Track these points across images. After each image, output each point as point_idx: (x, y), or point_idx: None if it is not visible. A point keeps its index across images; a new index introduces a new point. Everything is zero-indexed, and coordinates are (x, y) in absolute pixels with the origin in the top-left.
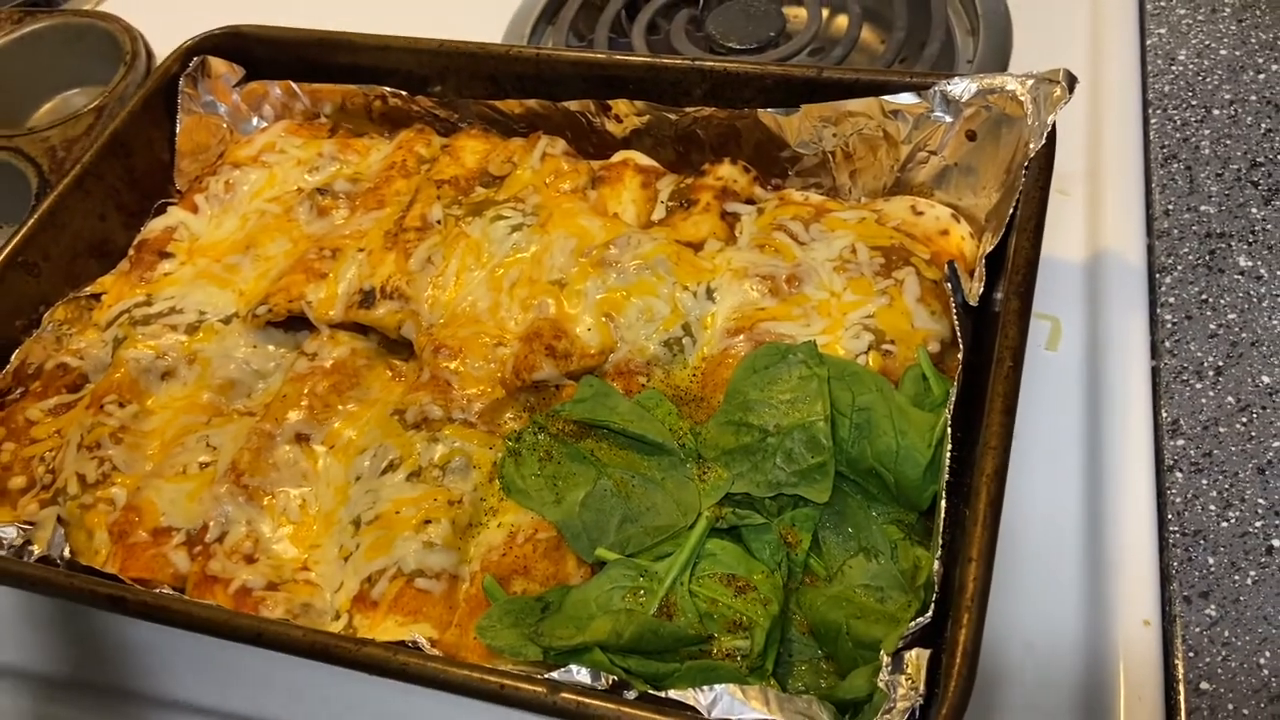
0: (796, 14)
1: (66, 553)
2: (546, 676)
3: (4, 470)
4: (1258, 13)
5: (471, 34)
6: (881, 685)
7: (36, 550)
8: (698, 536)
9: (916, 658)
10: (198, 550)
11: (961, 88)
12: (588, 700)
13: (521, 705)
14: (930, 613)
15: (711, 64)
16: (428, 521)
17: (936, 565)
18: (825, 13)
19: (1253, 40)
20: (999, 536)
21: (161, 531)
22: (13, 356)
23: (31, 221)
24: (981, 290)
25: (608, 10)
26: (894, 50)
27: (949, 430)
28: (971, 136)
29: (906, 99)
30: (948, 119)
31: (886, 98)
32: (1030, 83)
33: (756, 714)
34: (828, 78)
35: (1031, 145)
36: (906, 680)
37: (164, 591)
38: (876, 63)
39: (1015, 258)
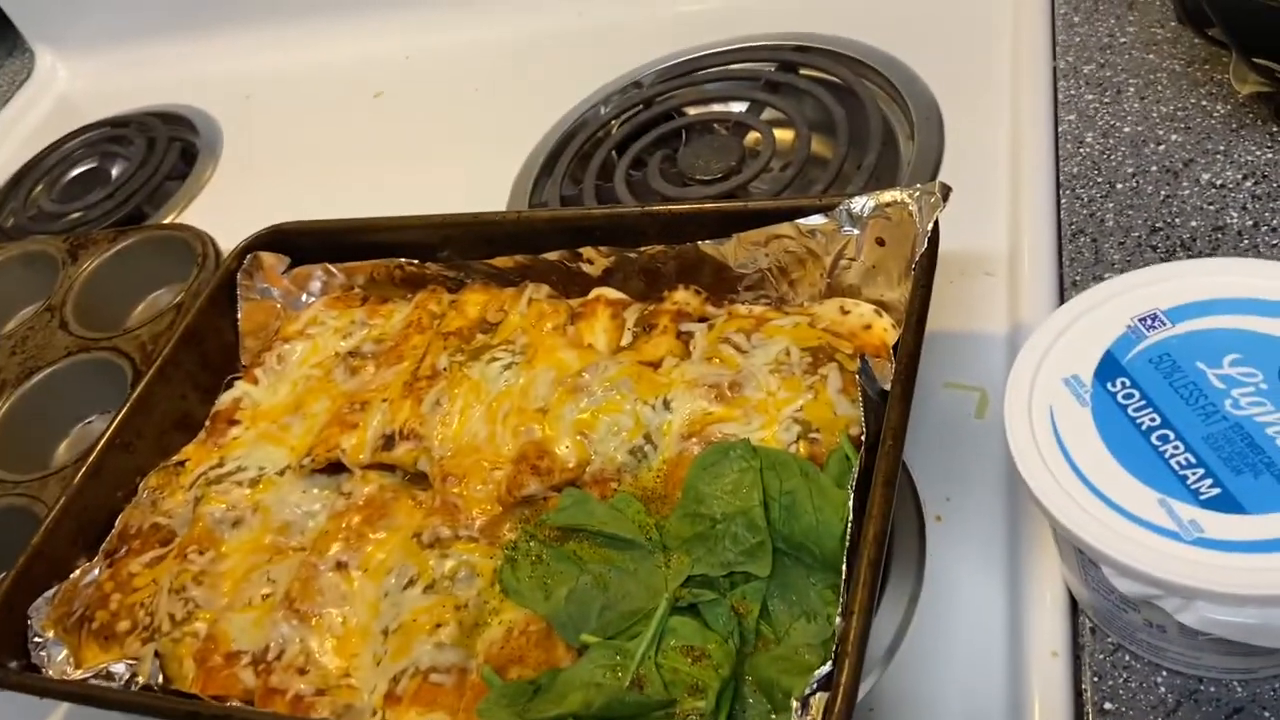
0: (755, 138)
1: (161, 679)
2: None
3: (113, 617)
4: (1159, 88)
5: (485, 195)
6: None
7: (140, 680)
8: (660, 616)
9: (818, 700)
10: (261, 668)
11: (861, 204)
12: None
13: None
14: (830, 663)
15: (658, 209)
16: (439, 625)
17: (839, 621)
18: (776, 133)
19: (1154, 115)
20: (926, 585)
21: (233, 655)
22: (116, 522)
23: (125, 409)
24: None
25: (594, 159)
26: (840, 159)
27: (850, 507)
28: (881, 243)
29: (817, 220)
30: (855, 232)
31: (800, 221)
32: (917, 194)
33: None
34: (752, 209)
35: (918, 248)
36: None
37: (234, 704)
38: (828, 171)
39: (899, 349)
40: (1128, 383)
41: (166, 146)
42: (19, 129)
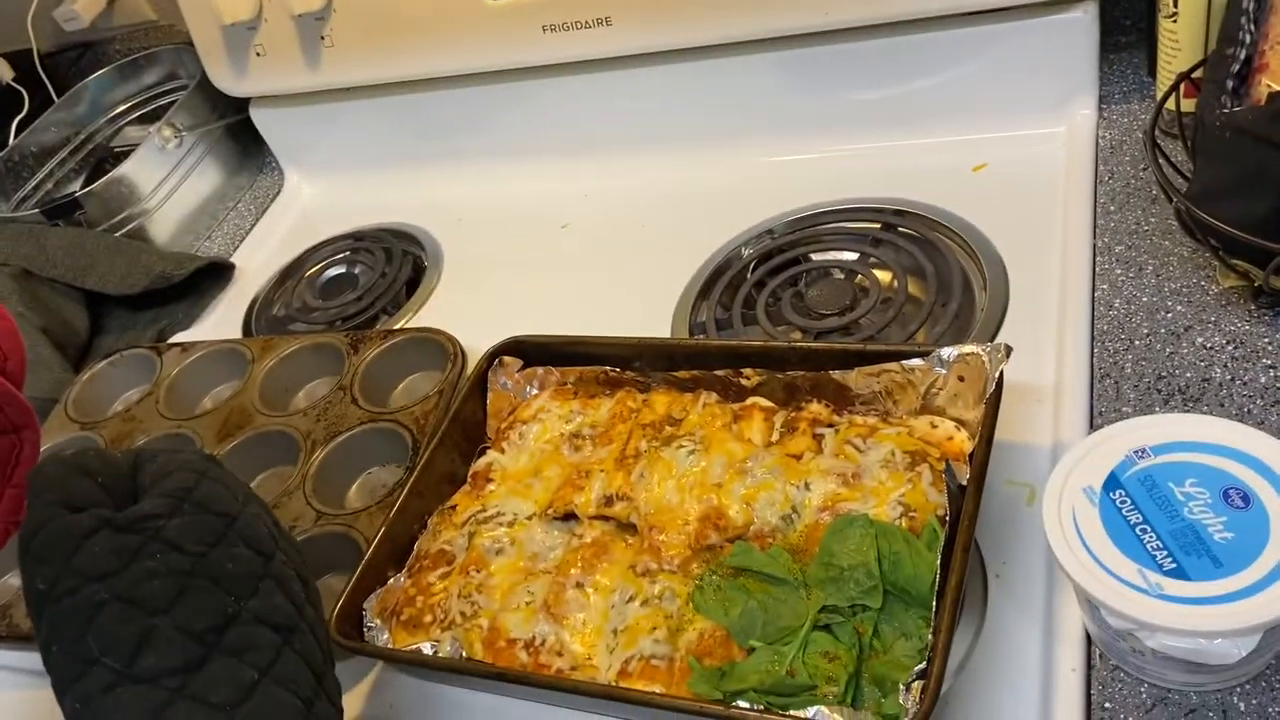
0: (863, 281)
1: (464, 655)
2: (728, 706)
3: (418, 613)
4: (1170, 268)
5: (653, 313)
6: (901, 703)
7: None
8: (804, 631)
9: (916, 686)
10: (531, 650)
11: (948, 353)
12: (747, 714)
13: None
14: (925, 662)
15: (800, 345)
16: (654, 628)
17: (929, 637)
18: (880, 278)
19: (1165, 289)
20: (987, 621)
21: (511, 641)
22: (415, 546)
23: (418, 468)
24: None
25: (739, 291)
26: (930, 303)
27: (938, 565)
28: (961, 379)
29: (916, 361)
30: (943, 371)
31: (903, 361)
32: (988, 350)
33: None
34: (870, 351)
35: (989, 386)
36: (913, 701)
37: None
38: (921, 311)
39: (974, 457)
40: (1123, 493)
41: (401, 259)
42: (275, 234)
